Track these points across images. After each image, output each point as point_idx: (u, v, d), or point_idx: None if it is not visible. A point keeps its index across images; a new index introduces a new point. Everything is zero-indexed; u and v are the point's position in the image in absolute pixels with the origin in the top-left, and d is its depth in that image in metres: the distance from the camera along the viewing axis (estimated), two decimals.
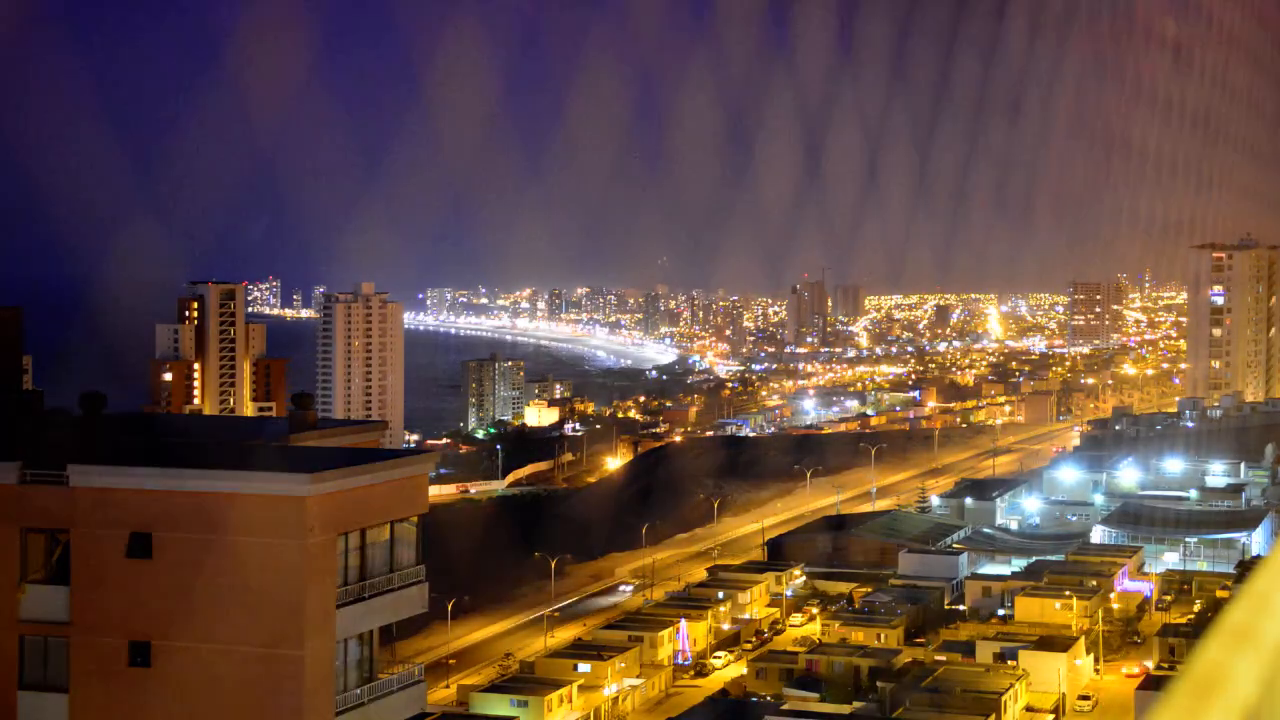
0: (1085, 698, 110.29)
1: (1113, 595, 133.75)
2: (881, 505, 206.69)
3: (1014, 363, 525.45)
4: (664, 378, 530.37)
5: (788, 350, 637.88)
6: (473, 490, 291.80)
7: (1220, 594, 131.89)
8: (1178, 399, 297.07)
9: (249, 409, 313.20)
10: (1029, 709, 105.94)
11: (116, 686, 46.27)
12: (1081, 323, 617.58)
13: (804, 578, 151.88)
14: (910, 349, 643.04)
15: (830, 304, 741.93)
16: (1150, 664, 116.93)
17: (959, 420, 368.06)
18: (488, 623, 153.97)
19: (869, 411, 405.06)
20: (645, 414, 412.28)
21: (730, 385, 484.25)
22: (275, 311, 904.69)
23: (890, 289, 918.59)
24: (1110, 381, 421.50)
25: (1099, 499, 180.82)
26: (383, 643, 54.13)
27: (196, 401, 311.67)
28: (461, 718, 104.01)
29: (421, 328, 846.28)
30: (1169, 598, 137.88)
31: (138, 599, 46.07)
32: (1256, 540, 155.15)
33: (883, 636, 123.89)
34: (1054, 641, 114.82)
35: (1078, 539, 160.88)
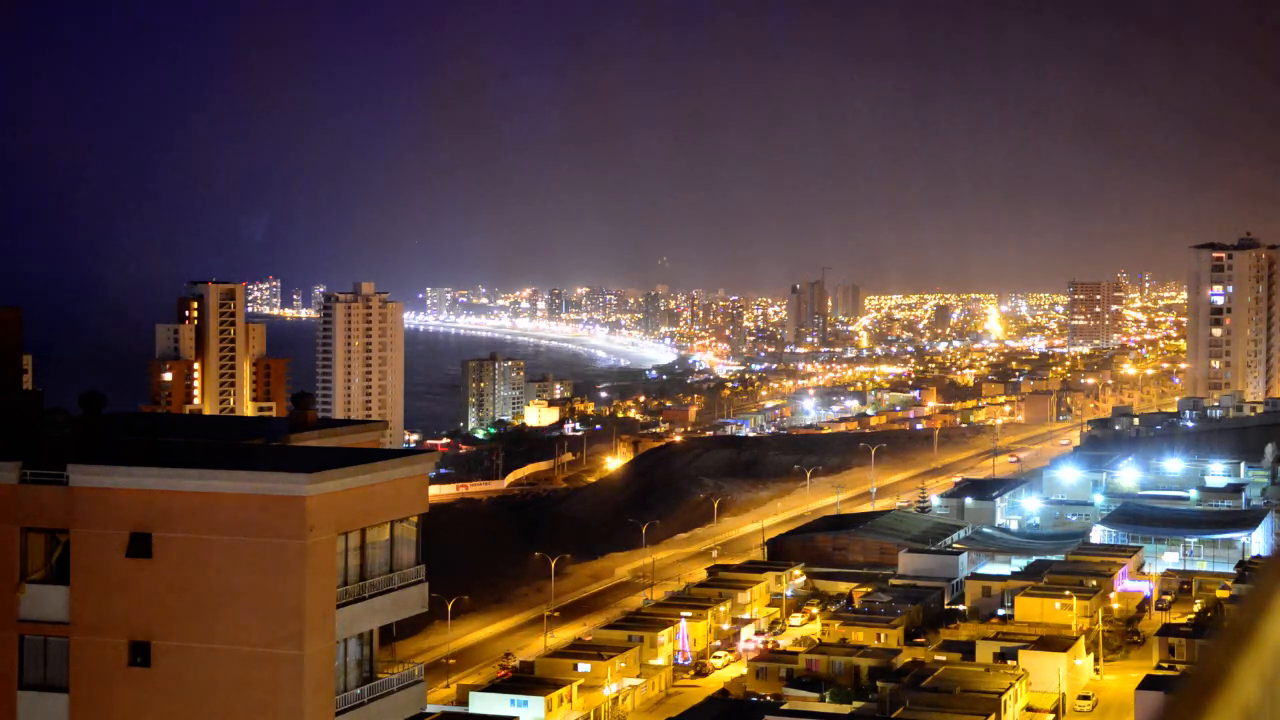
0: (1085, 698, 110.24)
1: (1113, 595, 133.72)
2: (881, 505, 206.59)
3: (1014, 363, 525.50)
4: (664, 378, 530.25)
5: (788, 350, 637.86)
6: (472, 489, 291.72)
7: (1220, 594, 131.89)
8: (1178, 399, 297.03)
9: (249, 409, 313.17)
10: (1029, 709, 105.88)
11: (116, 686, 46.27)
12: (1081, 323, 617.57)
13: (804, 578, 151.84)
14: (910, 349, 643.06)
15: (830, 304, 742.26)
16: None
17: (959, 420, 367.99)
18: (488, 623, 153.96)
19: (869, 411, 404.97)
20: (645, 414, 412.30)
21: (730, 385, 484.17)
22: (275, 311, 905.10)
23: (890, 289, 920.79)
24: (1110, 381, 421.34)
25: (1099, 499, 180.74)
26: (383, 643, 54.14)
27: (196, 401, 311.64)
28: (461, 717, 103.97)
29: (421, 328, 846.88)
30: (1169, 598, 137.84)
31: (138, 599, 46.07)
32: (1256, 540, 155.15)
33: (883, 636, 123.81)
34: (1054, 641, 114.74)
35: (1078, 539, 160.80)
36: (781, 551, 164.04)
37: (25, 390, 70.91)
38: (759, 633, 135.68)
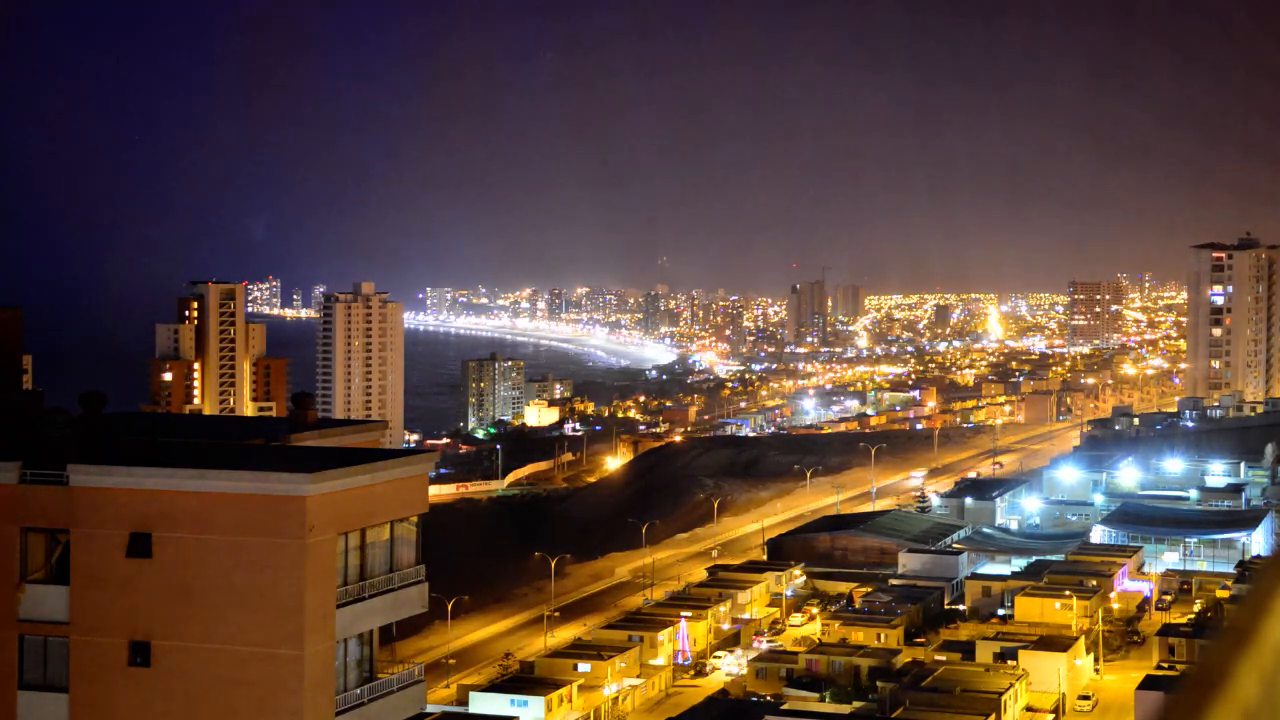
0: (1085, 698, 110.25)
1: (1113, 595, 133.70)
2: (881, 505, 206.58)
3: (1014, 363, 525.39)
4: (664, 378, 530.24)
5: (788, 350, 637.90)
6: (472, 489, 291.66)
7: (1220, 594, 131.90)
8: (1178, 399, 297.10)
9: (249, 409, 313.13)
10: (1029, 709, 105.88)
11: (116, 686, 46.27)
12: (1081, 323, 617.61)
13: (804, 578, 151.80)
14: (910, 349, 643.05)
15: (830, 304, 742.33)
16: None
17: (959, 420, 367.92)
18: (488, 623, 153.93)
19: (869, 411, 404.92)
20: (645, 414, 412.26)
21: (730, 385, 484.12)
22: (275, 311, 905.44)
23: (890, 289, 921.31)
24: (1110, 381, 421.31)
25: (1099, 499, 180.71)
26: (383, 643, 54.13)
27: (196, 401, 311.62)
28: (462, 717, 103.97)
29: (421, 328, 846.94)
30: (1169, 598, 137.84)
31: (138, 599, 46.06)
32: (1256, 540, 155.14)
33: (883, 636, 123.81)
34: (1054, 641, 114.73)
35: (1078, 539, 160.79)
36: (781, 551, 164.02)
37: (25, 390, 70.94)
38: (758, 633, 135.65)
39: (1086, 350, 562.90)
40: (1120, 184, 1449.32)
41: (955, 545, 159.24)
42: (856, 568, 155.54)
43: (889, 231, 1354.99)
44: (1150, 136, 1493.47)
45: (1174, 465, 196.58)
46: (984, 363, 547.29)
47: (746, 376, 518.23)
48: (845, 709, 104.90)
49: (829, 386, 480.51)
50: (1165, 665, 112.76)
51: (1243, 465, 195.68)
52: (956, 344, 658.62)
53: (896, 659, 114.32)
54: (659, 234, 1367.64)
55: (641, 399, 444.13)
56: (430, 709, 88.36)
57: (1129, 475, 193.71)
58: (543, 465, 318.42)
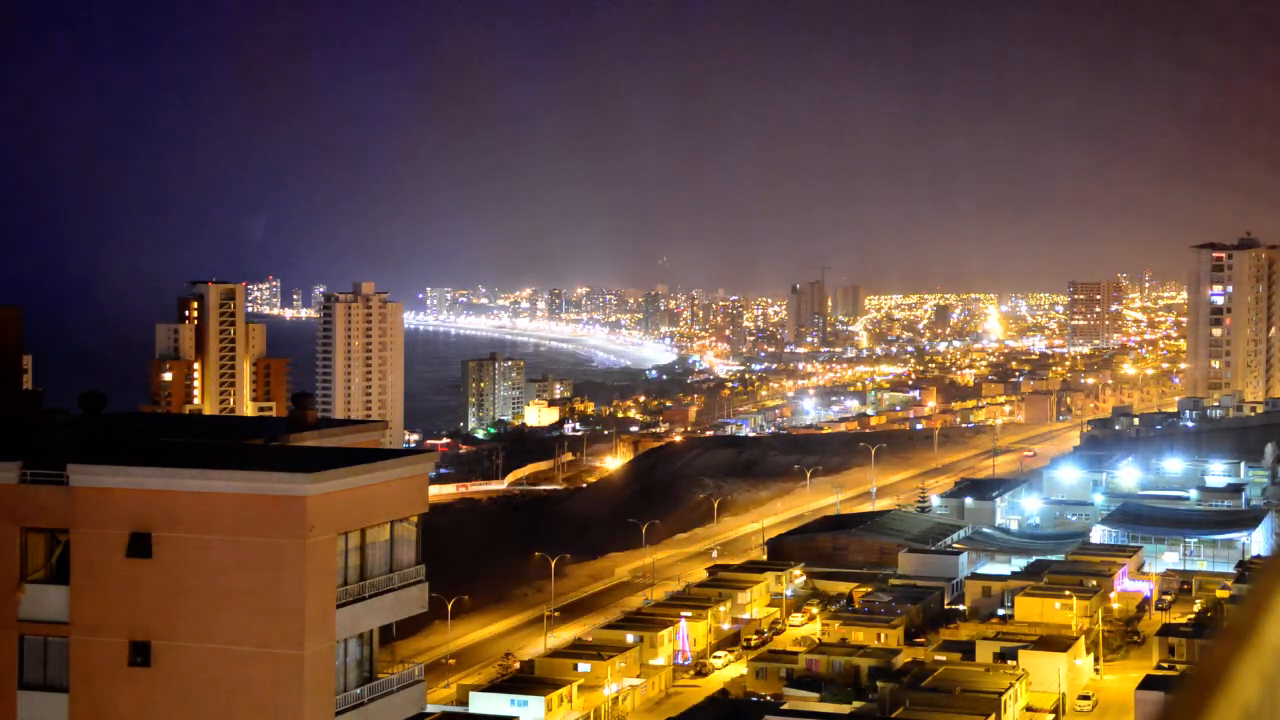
0: (1085, 698, 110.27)
1: (1113, 595, 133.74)
2: (881, 505, 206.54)
3: (1014, 363, 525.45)
4: (664, 378, 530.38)
5: (788, 350, 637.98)
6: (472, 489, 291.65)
7: (1220, 594, 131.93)
8: (1178, 399, 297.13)
9: (249, 409, 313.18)
10: (1029, 709, 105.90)
11: (116, 686, 46.27)
12: (1081, 323, 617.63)
13: (804, 578, 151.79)
14: (910, 349, 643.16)
15: (830, 304, 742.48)
16: None
17: (959, 420, 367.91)
18: (488, 623, 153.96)
19: (869, 411, 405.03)
20: (645, 414, 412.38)
21: (730, 385, 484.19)
22: (275, 311, 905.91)
23: (890, 289, 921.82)
24: (1110, 381, 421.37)
25: (1099, 499, 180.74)
26: (383, 643, 54.14)
27: (196, 401, 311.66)
28: (462, 717, 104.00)
29: (421, 328, 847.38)
30: (1169, 598, 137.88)
31: (138, 599, 46.07)
32: (1256, 540, 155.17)
33: (883, 636, 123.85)
34: (1054, 641, 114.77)
35: (1078, 539, 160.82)
36: (781, 551, 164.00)
37: (25, 390, 70.94)
38: (759, 632, 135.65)
39: (1086, 350, 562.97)
40: (1120, 184, 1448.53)
41: (955, 545, 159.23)
42: (856, 568, 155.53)
43: (889, 231, 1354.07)
44: (1150, 136, 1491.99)
45: (1174, 465, 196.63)
46: (984, 363, 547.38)
47: (746, 376, 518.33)
48: (845, 709, 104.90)
49: (829, 386, 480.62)
50: (1165, 665, 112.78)
51: (1243, 465, 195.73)
52: (956, 344, 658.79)
53: (896, 659, 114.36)
54: (659, 234, 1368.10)
55: (641, 399, 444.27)
56: (430, 709, 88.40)
57: (1129, 475, 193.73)
58: (543, 465, 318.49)
